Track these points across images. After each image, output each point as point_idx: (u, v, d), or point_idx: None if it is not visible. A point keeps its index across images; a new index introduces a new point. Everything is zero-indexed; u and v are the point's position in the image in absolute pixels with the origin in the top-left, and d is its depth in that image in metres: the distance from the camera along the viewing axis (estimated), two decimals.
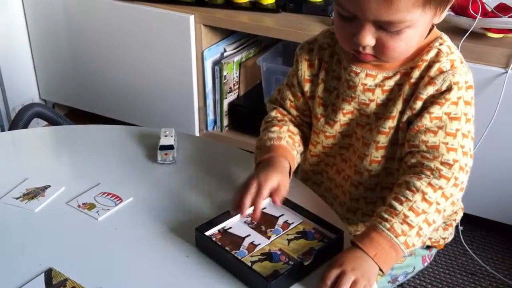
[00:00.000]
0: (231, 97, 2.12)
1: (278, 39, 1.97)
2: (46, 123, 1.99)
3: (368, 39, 0.92)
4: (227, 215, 0.97)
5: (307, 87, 1.09)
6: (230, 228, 0.96)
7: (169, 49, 2.04)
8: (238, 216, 0.97)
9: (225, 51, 2.08)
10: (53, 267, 0.89)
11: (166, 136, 1.17)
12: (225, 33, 2.07)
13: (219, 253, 0.90)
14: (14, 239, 0.96)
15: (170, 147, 1.15)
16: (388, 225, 0.89)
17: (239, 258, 0.89)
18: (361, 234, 0.90)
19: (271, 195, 0.96)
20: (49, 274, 0.88)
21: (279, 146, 1.04)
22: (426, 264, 1.17)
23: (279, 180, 0.97)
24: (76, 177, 1.12)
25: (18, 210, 1.02)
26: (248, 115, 2.11)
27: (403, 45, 0.93)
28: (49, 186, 1.07)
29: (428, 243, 1.12)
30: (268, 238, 0.94)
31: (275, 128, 1.07)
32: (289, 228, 0.95)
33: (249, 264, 0.88)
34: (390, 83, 1.00)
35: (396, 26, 0.90)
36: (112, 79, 2.22)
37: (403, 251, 0.89)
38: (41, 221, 1.00)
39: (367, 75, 1.00)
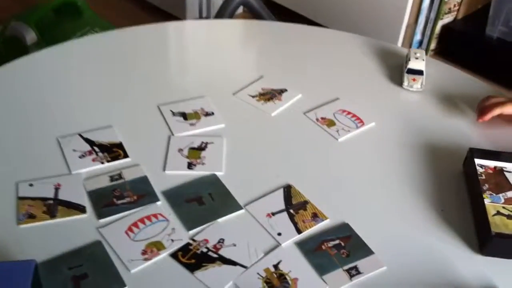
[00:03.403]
0: (447, 19, 1.90)
1: None
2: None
3: None
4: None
5: None
6: (509, 172, 0.83)
7: None
8: None
9: None
10: (291, 183, 0.81)
11: (416, 58, 1.02)
12: None
13: (472, 187, 0.81)
14: (252, 141, 0.89)
15: (420, 72, 1.01)
16: None
17: (489, 202, 0.79)
18: None
19: None
20: (288, 191, 0.80)
21: None
22: None
23: None
24: (312, 86, 1.01)
25: (254, 109, 0.94)
26: (462, 42, 1.88)
27: None
28: (286, 90, 0.98)
29: None
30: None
31: None
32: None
33: (494, 212, 0.77)
34: None
35: None
36: None
37: None
38: (277, 127, 0.92)
39: None
